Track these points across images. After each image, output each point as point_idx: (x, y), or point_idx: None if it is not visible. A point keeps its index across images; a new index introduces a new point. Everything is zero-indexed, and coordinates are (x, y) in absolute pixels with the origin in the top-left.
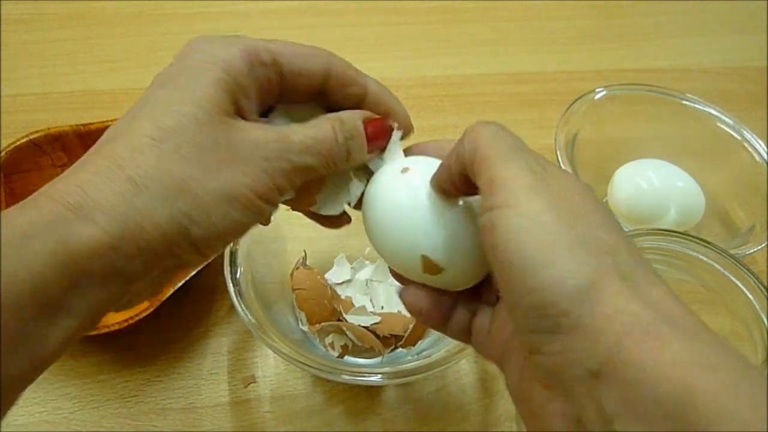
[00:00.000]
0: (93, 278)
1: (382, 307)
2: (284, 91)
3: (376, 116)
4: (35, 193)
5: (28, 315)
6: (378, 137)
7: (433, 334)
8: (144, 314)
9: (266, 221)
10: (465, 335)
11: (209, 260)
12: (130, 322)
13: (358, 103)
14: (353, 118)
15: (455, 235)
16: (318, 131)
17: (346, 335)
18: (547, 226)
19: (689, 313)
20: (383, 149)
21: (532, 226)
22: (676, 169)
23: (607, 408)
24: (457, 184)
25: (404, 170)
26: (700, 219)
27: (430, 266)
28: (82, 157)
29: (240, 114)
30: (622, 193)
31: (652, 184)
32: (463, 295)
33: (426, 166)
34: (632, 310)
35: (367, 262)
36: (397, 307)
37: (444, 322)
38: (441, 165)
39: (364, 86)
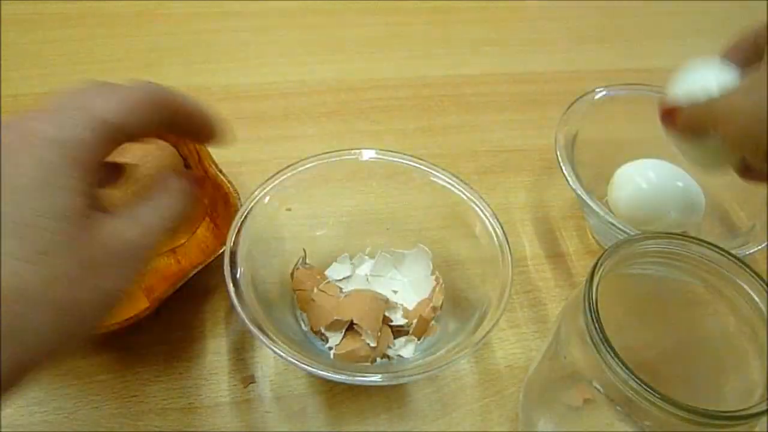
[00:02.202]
0: None
1: None
2: None
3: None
4: None
5: None
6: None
7: (435, 333)
8: (144, 314)
9: None
10: None
11: None
12: (130, 322)
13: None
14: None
15: None
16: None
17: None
18: None
19: None
20: None
21: None
22: (676, 169)
23: None
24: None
25: None
26: (700, 219)
27: None
28: None
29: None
30: (622, 193)
31: (652, 184)
32: None
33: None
34: None
35: (367, 257)
36: (398, 301)
37: None
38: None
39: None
